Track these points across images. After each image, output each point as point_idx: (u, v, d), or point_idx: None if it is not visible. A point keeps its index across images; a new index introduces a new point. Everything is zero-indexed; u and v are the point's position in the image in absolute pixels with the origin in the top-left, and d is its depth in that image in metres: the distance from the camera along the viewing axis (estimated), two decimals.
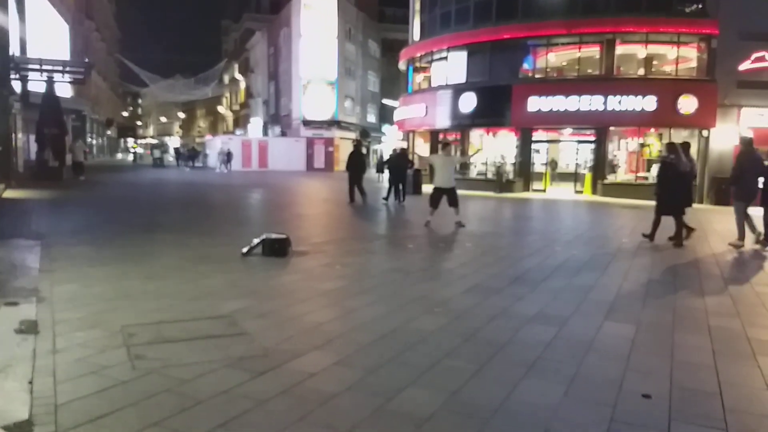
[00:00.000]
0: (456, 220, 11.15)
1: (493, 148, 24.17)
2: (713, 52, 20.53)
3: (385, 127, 49.36)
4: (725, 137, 20.19)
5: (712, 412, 3.19)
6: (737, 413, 3.18)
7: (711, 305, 5.55)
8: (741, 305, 5.60)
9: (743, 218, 9.48)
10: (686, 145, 10.46)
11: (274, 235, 7.56)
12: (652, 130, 21.76)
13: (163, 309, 4.80)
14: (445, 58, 25.68)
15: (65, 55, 30.70)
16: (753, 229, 9.49)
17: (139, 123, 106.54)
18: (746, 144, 9.91)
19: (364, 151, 20.28)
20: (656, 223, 9.67)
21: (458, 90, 24.16)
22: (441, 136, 26.90)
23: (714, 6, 20.33)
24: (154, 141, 73.00)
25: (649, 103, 20.62)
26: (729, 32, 19.75)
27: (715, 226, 12.75)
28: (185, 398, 3.11)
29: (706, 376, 3.72)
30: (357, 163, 15.55)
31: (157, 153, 41.31)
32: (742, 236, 9.48)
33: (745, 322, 4.97)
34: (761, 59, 19.52)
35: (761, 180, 9.59)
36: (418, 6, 28.61)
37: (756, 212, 9.53)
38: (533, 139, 23.37)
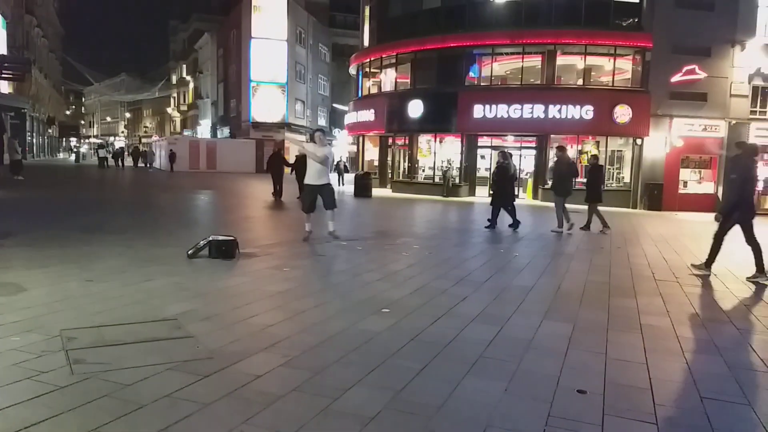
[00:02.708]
0: (330, 229, 9.43)
1: (440, 153, 24.60)
2: (647, 64, 21.65)
3: (336, 131, 49.31)
4: (658, 145, 21.30)
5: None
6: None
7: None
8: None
9: (563, 210, 11.88)
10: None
11: (220, 237, 7.46)
12: (590, 138, 22.68)
13: (104, 312, 4.66)
14: (394, 64, 25.96)
15: (3, 50, 29.18)
16: (568, 219, 11.91)
17: (82, 122, 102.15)
18: (563, 151, 12.84)
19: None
20: (497, 214, 12.12)
21: (406, 96, 24.46)
22: (390, 141, 27.19)
23: (649, 21, 21.44)
24: (99, 140, 69.87)
25: (587, 112, 21.50)
26: (662, 46, 20.89)
27: (648, 229, 13.41)
28: (126, 403, 3.04)
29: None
30: (276, 165, 18.17)
31: (102, 152, 38.28)
32: (561, 224, 11.93)
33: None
34: (691, 72, 20.73)
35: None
36: (367, 12, 28.81)
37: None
38: (478, 145, 23.93)
